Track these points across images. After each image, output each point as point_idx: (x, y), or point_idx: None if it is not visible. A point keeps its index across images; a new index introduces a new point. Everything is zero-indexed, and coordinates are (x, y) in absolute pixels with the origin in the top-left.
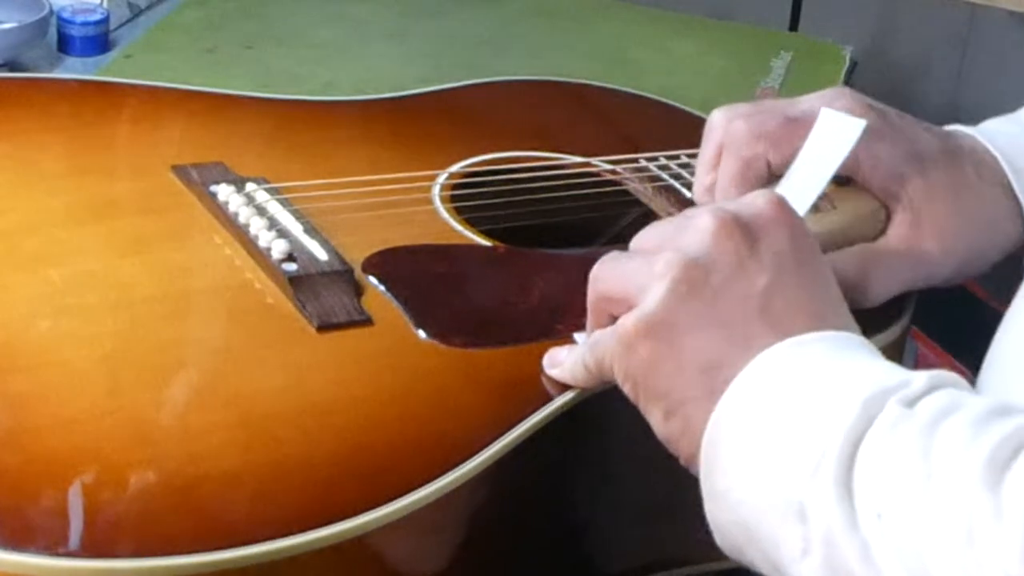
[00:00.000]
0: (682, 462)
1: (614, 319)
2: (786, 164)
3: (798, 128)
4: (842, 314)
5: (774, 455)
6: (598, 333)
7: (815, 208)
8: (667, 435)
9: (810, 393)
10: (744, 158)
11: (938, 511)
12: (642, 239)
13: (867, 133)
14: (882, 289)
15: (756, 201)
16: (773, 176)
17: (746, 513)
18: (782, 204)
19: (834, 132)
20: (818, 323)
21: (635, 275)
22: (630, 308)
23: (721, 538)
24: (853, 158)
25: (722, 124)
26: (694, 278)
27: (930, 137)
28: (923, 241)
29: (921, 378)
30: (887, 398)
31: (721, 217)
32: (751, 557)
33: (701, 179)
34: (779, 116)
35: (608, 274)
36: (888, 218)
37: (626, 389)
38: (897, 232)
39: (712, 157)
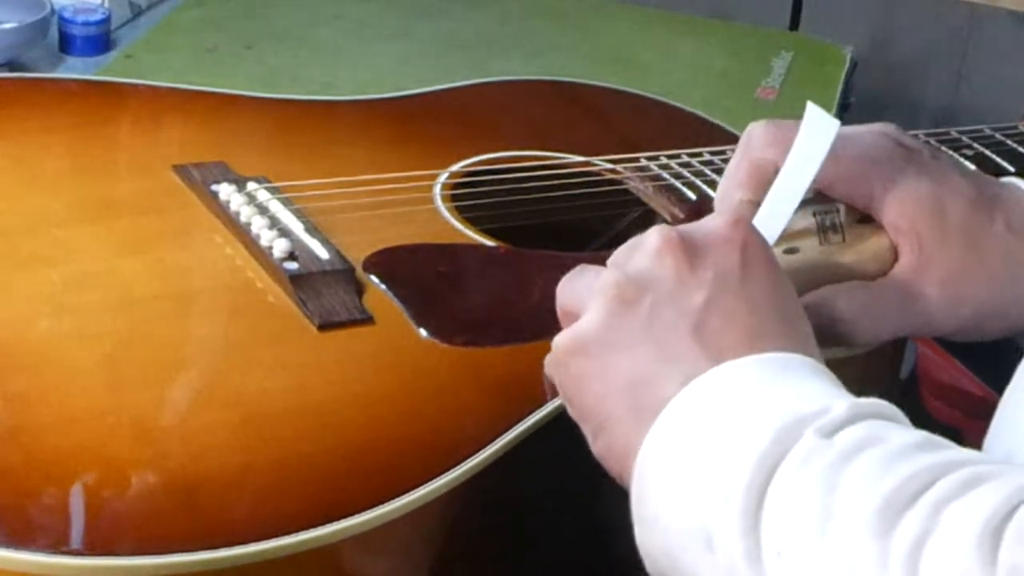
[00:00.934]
0: (617, 481)
1: None
2: None
3: None
4: (793, 334)
5: (693, 483)
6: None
7: (825, 238)
8: (597, 453)
9: (730, 420)
10: (753, 159)
11: (828, 555)
12: (614, 254)
13: (838, 137)
14: (871, 331)
15: (712, 220)
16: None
17: (671, 541)
18: (738, 224)
19: (816, 131)
20: (757, 344)
21: (583, 290)
22: None
23: (650, 564)
24: (868, 190)
25: (746, 134)
26: (628, 296)
27: (962, 181)
28: (924, 287)
29: (841, 406)
30: (804, 427)
31: (665, 235)
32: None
33: (720, 186)
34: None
35: (564, 288)
36: (896, 259)
37: (566, 405)
38: (899, 273)
39: (735, 166)
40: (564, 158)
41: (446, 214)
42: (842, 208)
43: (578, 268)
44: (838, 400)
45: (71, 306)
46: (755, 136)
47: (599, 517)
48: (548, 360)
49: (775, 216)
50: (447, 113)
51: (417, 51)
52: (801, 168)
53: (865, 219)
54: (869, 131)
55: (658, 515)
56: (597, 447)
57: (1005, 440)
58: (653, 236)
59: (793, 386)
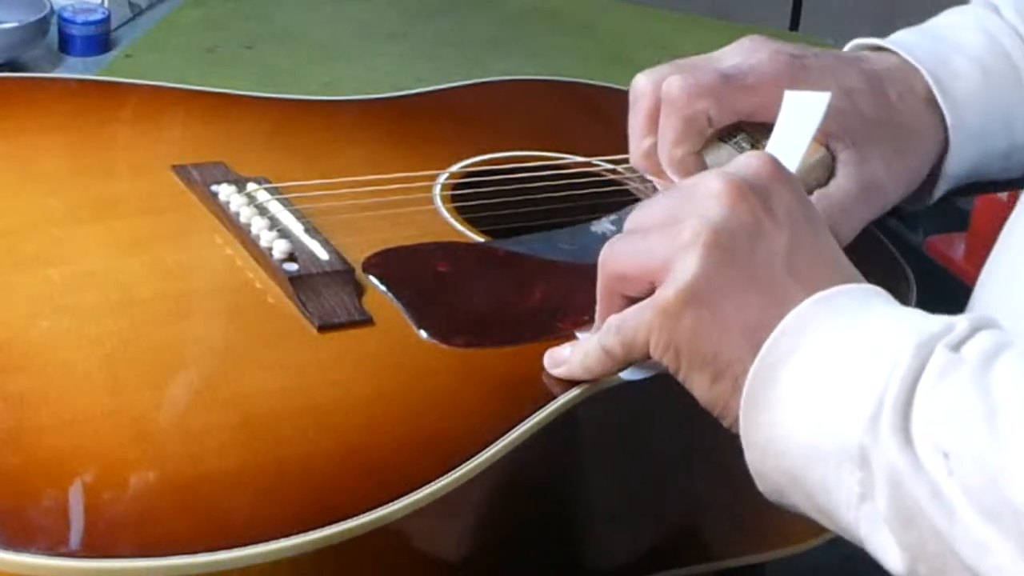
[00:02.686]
0: (727, 424)
1: (629, 301)
2: (725, 120)
3: (736, 85)
4: (845, 260)
5: (824, 404)
6: (622, 314)
7: None
8: (713, 398)
9: (853, 343)
10: (685, 115)
11: (1012, 444)
12: (644, 216)
13: (831, 106)
14: (848, 231)
15: (751, 162)
16: (713, 132)
17: (792, 461)
18: (776, 163)
19: (801, 109)
20: (839, 275)
21: (655, 249)
22: (651, 284)
23: (762, 483)
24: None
25: (651, 88)
26: (724, 242)
27: (851, 70)
28: (872, 174)
29: (963, 322)
30: (935, 343)
31: (730, 180)
32: (794, 501)
33: (638, 145)
34: (712, 72)
35: (621, 253)
36: (834, 160)
37: (667, 360)
38: (846, 172)
39: (645, 122)
40: (564, 158)
41: (446, 214)
42: (746, 131)
43: (617, 236)
44: (952, 318)
45: (70, 307)
46: (675, 92)
47: (600, 517)
48: (643, 321)
49: None
50: (447, 113)
51: (417, 51)
52: (791, 143)
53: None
54: (755, 52)
55: (773, 438)
56: (715, 391)
57: (993, 298)
58: (717, 183)
59: (894, 310)
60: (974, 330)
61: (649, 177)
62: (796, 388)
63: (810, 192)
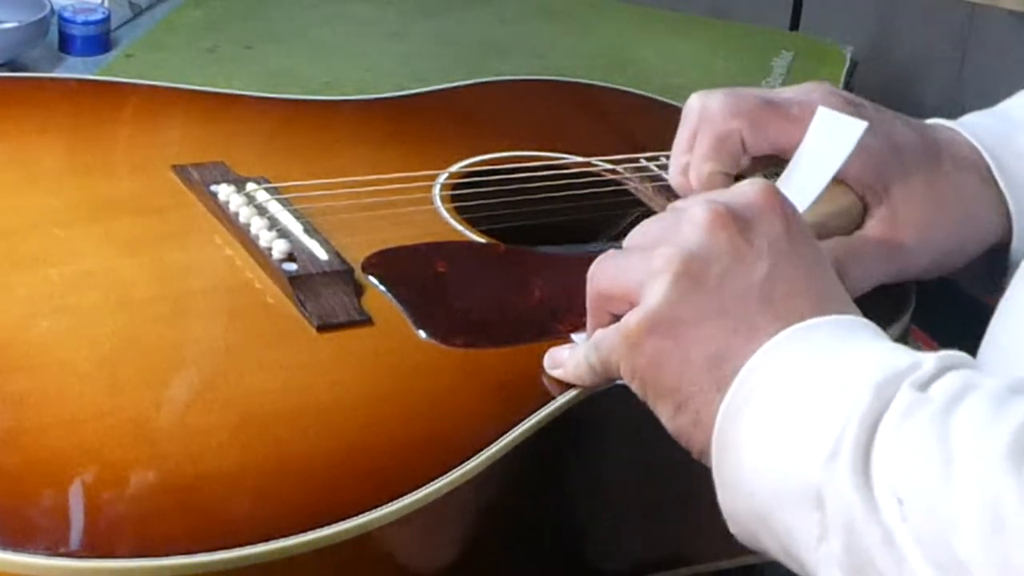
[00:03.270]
0: (695, 455)
1: (615, 317)
2: (760, 146)
3: (776, 112)
4: (842, 297)
5: (787, 442)
6: (600, 332)
7: None
8: (678, 430)
9: (821, 379)
10: (718, 133)
11: (962, 497)
12: (636, 235)
13: (866, 134)
14: (857, 282)
15: (746, 190)
16: (747, 156)
17: (759, 501)
18: (772, 191)
19: (833, 132)
20: (821, 307)
21: (633, 272)
22: (631, 305)
23: (734, 526)
24: None
25: (698, 106)
26: (694, 271)
27: (908, 130)
28: (899, 235)
29: (931, 360)
30: (900, 382)
31: (713, 208)
32: (765, 544)
33: (676, 160)
34: (757, 98)
35: (605, 272)
36: (865, 211)
37: (634, 387)
38: (873, 226)
39: (688, 139)
40: (564, 158)
41: (445, 215)
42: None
43: (608, 253)
44: (925, 355)
45: (70, 306)
46: (714, 109)
47: (599, 518)
48: (613, 345)
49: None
50: (447, 113)
51: (417, 51)
52: (817, 166)
53: None
54: (811, 92)
55: (742, 478)
56: (678, 423)
57: (996, 362)
58: (699, 210)
59: (868, 344)
60: (942, 369)
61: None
62: (761, 427)
63: (827, 236)
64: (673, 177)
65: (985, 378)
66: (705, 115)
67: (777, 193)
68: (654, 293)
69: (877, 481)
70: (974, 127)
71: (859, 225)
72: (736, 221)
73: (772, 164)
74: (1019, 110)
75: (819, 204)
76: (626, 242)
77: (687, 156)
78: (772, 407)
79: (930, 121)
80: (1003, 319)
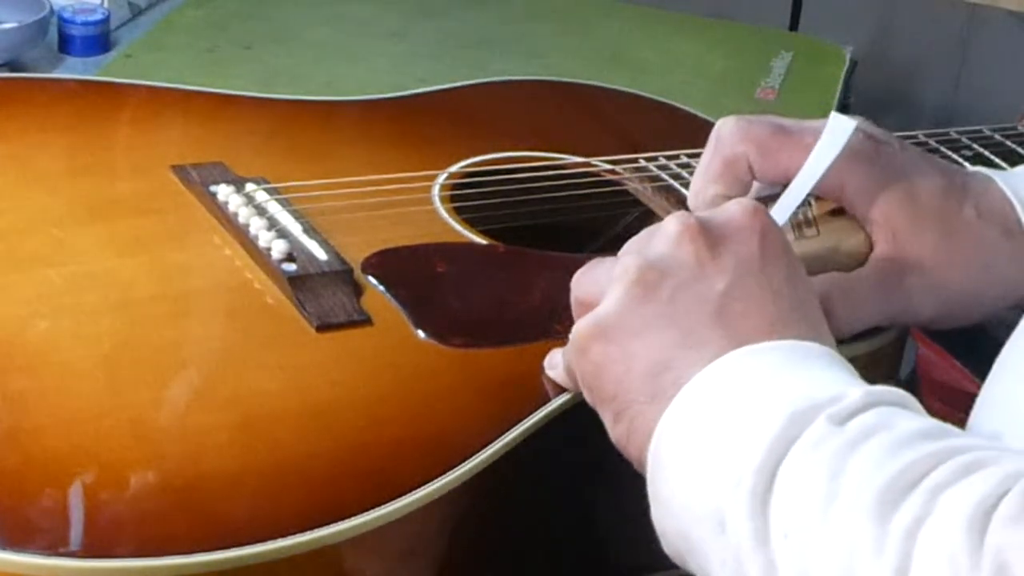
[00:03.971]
0: (635, 466)
1: None
2: (768, 173)
3: (787, 139)
4: (810, 322)
5: (706, 465)
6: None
7: (800, 232)
8: (616, 438)
9: (745, 403)
10: (725, 157)
11: (829, 538)
12: (624, 246)
13: (856, 133)
14: (848, 321)
15: (729, 207)
16: (757, 183)
17: (685, 522)
18: (756, 210)
19: (834, 133)
20: (777, 330)
21: (601, 278)
22: None
23: (666, 545)
24: (840, 183)
25: (716, 129)
26: (649, 280)
27: (933, 171)
28: (901, 276)
29: (857, 394)
30: (817, 413)
31: (684, 222)
32: (692, 566)
33: (693, 182)
34: (769, 124)
35: (580, 279)
36: (871, 251)
37: (584, 392)
38: (873, 264)
39: (707, 162)
40: (563, 158)
41: (445, 215)
42: (813, 202)
43: (594, 260)
44: (852, 388)
45: (70, 307)
46: (724, 133)
47: (598, 518)
48: (567, 348)
49: (781, 211)
50: (446, 113)
51: (417, 51)
52: (812, 167)
53: (837, 211)
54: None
55: (672, 496)
56: (616, 432)
57: (991, 419)
58: (671, 222)
59: (810, 373)
60: (867, 405)
61: None
62: (687, 447)
63: (828, 269)
64: (690, 199)
65: (908, 418)
66: (718, 137)
67: (762, 214)
68: (607, 300)
69: (773, 512)
70: (1011, 177)
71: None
72: (705, 235)
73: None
74: None
75: (825, 238)
76: (624, 249)
77: (702, 179)
78: (700, 428)
79: (974, 170)
80: (999, 374)
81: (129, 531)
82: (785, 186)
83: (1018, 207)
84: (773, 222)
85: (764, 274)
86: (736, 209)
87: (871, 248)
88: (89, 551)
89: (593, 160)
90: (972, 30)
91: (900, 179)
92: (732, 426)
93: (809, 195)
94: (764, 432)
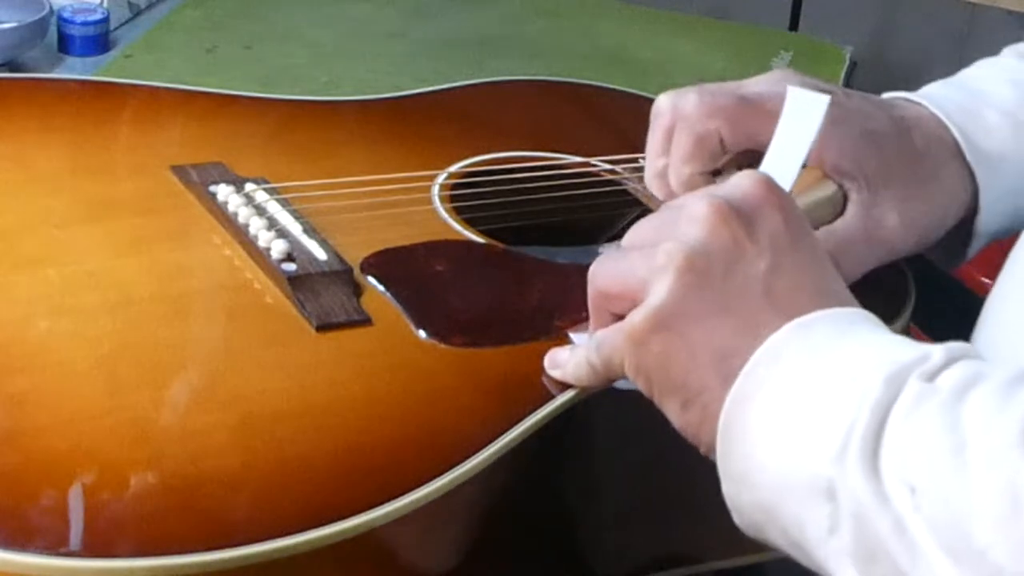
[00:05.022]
0: (702, 451)
1: (616, 317)
2: (740, 144)
3: (752, 108)
4: (841, 288)
5: (795, 436)
6: (602, 333)
7: None
8: (685, 426)
9: (827, 372)
10: (697, 134)
11: (977, 482)
12: (636, 234)
13: (831, 108)
14: (849, 271)
15: (743, 183)
16: (727, 154)
17: (767, 494)
18: (769, 183)
19: (802, 111)
20: (822, 300)
21: (635, 270)
22: (633, 304)
23: (740, 518)
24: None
25: (669, 107)
26: (697, 267)
27: (879, 112)
28: (883, 219)
29: (938, 351)
30: (908, 374)
31: (713, 204)
32: (771, 536)
33: (652, 164)
34: (731, 95)
35: (606, 272)
36: (845, 199)
37: (639, 384)
38: (856, 213)
39: (661, 141)
40: (563, 158)
41: (444, 215)
42: None
43: (608, 253)
44: (928, 347)
45: (69, 307)
46: (689, 109)
47: (599, 517)
48: (616, 344)
49: None
50: (446, 113)
51: (417, 51)
52: (791, 147)
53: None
54: (779, 81)
55: (748, 470)
56: (685, 419)
57: (988, 337)
58: (699, 205)
59: (874, 337)
60: (950, 360)
61: (660, 198)
62: (768, 420)
63: (815, 227)
64: (650, 181)
65: (991, 368)
66: (681, 116)
67: (773, 185)
68: (658, 290)
69: (887, 471)
70: (940, 100)
71: (840, 213)
72: (737, 216)
73: (747, 158)
74: (983, 81)
75: (802, 195)
76: (624, 241)
77: (663, 159)
78: (779, 401)
79: (890, 95)
80: (994, 308)
81: (129, 531)
82: (752, 155)
83: (953, 129)
84: (786, 193)
85: (795, 248)
86: (749, 184)
87: (844, 198)
88: (89, 551)
89: (593, 160)
90: (972, 30)
91: (856, 125)
92: (818, 397)
93: (799, 174)
94: (863, 398)
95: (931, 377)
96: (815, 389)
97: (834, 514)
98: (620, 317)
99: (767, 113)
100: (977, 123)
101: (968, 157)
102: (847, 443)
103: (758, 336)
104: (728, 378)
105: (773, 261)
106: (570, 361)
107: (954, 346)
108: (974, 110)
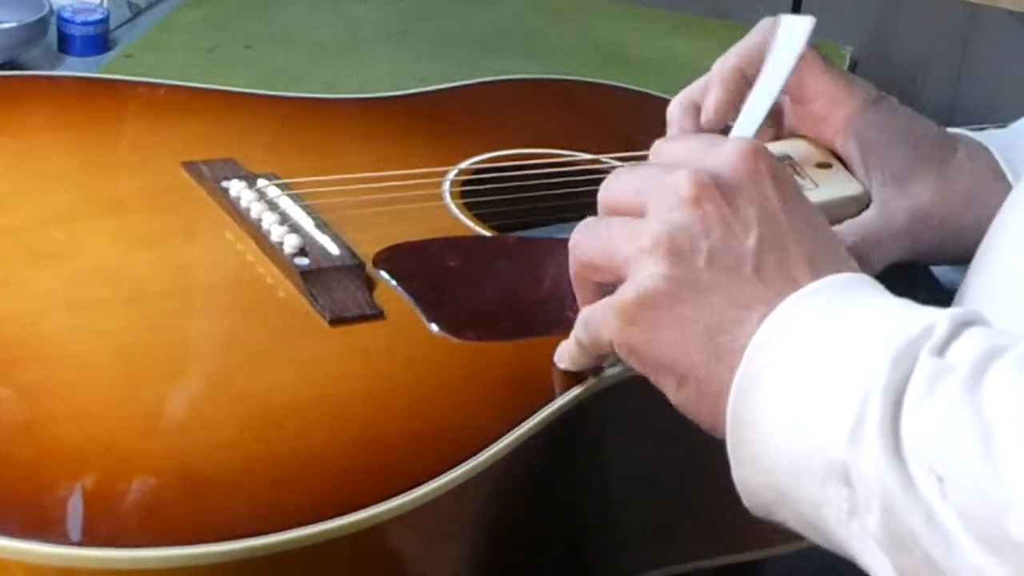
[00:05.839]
0: (704, 427)
1: (599, 287)
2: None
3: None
4: (838, 254)
5: (804, 417)
6: (588, 309)
7: None
8: (682, 403)
9: (832, 349)
10: (725, 69)
11: (1010, 475)
12: (615, 191)
13: (814, 26)
14: (870, 264)
15: (728, 153)
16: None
17: (779, 477)
18: (755, 151)
19: (790, 33)
20: (814, 270)
21: (618, 242)
22: (617, 276)
23: (749, 500)
24: (833, 130)
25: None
26: (683, 248)
27: (928, 123)
28: (902, 216)
29: (943, 321)
30: (916, 350)
31: (699, 179)
32: (783, 517)
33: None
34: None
35: (589, 241)
36: (870, 201)
37: (631, 362)
38: (877, 207)
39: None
40: (572, 155)
41: (455, 210)
42: (793, 157)
43: (587, 221)
44: (935, 315)
45: (83, 301)
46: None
47: (610, 511)
48: (604, 320)
49: (750, 121)
50: (456, 111)
51: (417, 51)
52: (774, 71)
53: (822, 165)
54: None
55: (758, 455)
56: (682, 396)
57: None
58: (686, 182)
59: (875, 306)
60: (957, 329)
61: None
62: (777, 402)
63: (839, 221)
64: (673, 109)
65: (1004, 337)
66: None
67: (761, 152)
68: (646, 271)
69: (910, 457)
70: (987, 136)
71: (866, 207)
72: (722, 191)
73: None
74: None
75: (822, 191)
76: (602, 196)
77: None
78: (784, 381)
79: (953, 131)
80: (981, 259)
81: (143, 521)
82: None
83: (999, 158)
84: (774, 159)
85: (787, 216)
86: (735, 153)
87: (868, 194)
88: (103, 541)
89: (602, 157)
90: (972, 30)
91: (897, 126)
92: (825, 375)
93: (774, 103)
94: (871, 379)
95: (942, 350)
96: (820, 368)
97: (852, 497)
98: (601, 288)
99: (829, 73)
100: (1017, 151)
101: (1009, 176)
102: (859, 425)
103: (749, 310)
104: (720, 356)
105: (761, 234)
106: (564, 345)
107: (958, 312)
108: (1014, 143)
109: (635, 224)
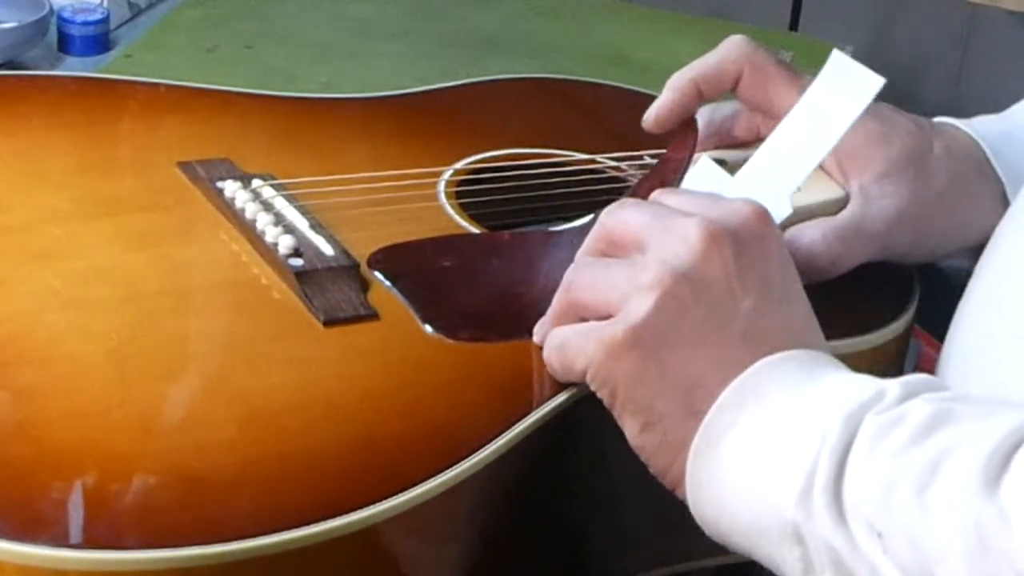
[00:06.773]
0: (652, 472)
1: (581, 319)
2: (753, 99)
3: (787, 75)
4: (812, 329)
5: (759, 480)
6: (566, 333)
7: None
8: (641, 446)
9: (791, 414)
10: (721, 60)
11: (940, 525)
12: (618, 220)
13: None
14: (842, 259)
15: (742, 211)
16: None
17: (739, 539)
18: (765, 217)
19: (848, 81)
20: (791, 340)
21: (617, 283)
22: (608, 314)
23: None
24: None
25: None
26: (683, 294)
27: (903, 118)
28: (880, 213)
29: (894, 386)
30: (865, 412)
31: (709, 230)
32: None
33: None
34: (775, 55)
35: (585, 283)
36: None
37: (602, 394)
38: (856, 204)
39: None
40: (569, 155)
41: (451, 211)
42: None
43: (586, 261)
44: (886, 382)
45: (78, 301)
46: (731, 44)
47: (604, 512)
48: (582, 350)
49: (796, 170)
50: (452, 111)
51: (417, 51)
52: (827, 118)
53: None
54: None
55: (720, 516)
56: (643, 440)
57: (954, 373)
58: (695, 229)
59: (833, 377)
60: (908, 395)
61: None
62: (733, 465)
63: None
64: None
65: (952, 402)
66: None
67: (770, 219)
68: (640, 307)
69: (851, 516)
70: (976, 125)
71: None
72: (730, 247)
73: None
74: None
75: (806, 194)
76: (607, 219)
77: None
78: (742, 445)
79: (936, 120)
80: (957, 328)
81: (137, 523)
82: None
83: (985, 147)
84: (776, 226)
85: (781, 287)
86: (748, 214)
87: (848, 198)
88: (98, 543)
89: (598, 157)
90: (972, 30)
91: (872, 128)
92: (781, 439)
93: (827, 156)
94: (823, 439)
95: (886, 413)
96: (778, 433)
97: (806, 555)
98: (583, 319)
99: (797, 86)
100: (1008, 143)
101: (998, 171)
102: (809, 487)
103: (728, 371)
104: (691, 411)
105: (756, 302)
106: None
107: (912, 379)
108: (1007, 132)
109: (639, 263)
